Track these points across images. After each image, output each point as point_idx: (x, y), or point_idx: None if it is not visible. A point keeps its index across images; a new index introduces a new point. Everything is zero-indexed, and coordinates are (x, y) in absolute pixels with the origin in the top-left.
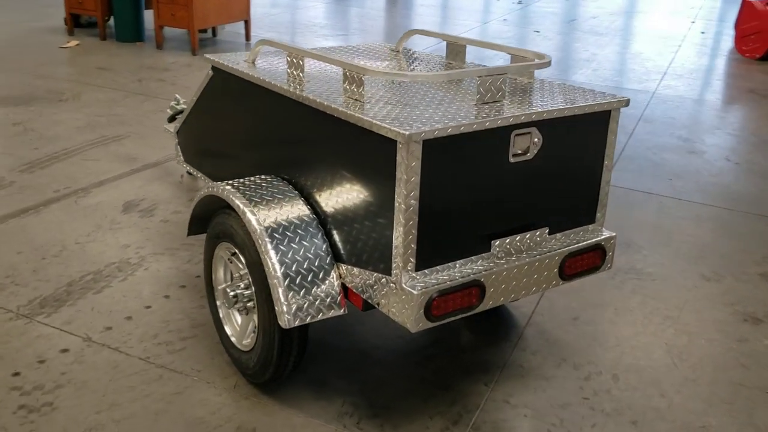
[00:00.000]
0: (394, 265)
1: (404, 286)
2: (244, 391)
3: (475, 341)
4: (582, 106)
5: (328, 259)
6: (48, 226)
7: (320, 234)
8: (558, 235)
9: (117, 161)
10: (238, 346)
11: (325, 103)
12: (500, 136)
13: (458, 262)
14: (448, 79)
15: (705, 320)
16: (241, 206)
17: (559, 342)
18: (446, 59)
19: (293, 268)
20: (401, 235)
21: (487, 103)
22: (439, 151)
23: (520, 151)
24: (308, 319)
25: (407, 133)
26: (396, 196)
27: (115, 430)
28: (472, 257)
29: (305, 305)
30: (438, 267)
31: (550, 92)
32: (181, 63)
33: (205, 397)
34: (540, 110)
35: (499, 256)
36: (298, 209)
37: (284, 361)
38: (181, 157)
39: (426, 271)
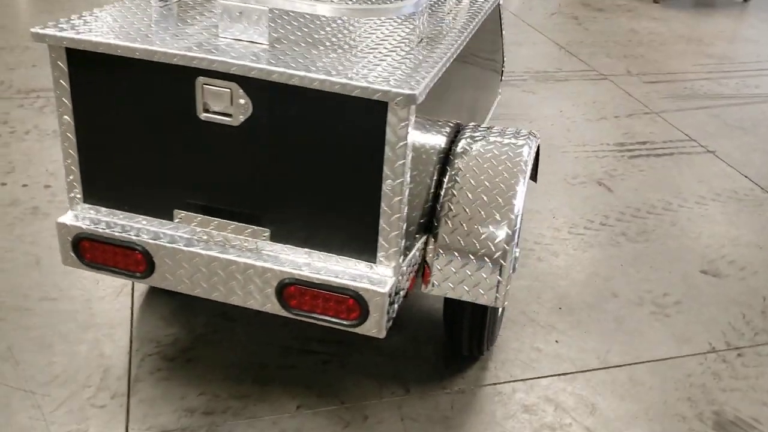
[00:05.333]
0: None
1: (67, 211)
2: None
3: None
4: (323, 80)
5: None
6: None
7: None
8: (303, 249)
9: None
10: None
11: None
12: (177, 77)
13: (139, 218)
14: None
15: None
16: None
17: None
18: None
19: None
20: (63, 152)
21: (240, 41)
22: (94, 70)
23: (217, 109)
24: None
25: (32, 30)
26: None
27: None
28: (155, 219)
29: None
30: (116, 211)
31: (405, 51)
32: None
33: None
34: (238, 62)
35: (196, 236)
36: None
37: None
38: None
39: (102, 209)
